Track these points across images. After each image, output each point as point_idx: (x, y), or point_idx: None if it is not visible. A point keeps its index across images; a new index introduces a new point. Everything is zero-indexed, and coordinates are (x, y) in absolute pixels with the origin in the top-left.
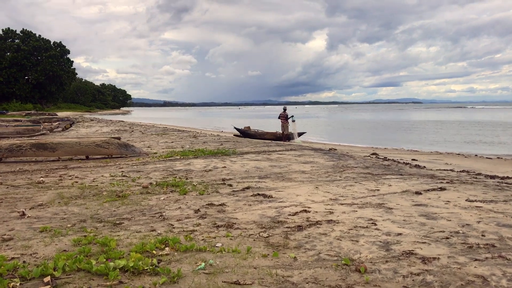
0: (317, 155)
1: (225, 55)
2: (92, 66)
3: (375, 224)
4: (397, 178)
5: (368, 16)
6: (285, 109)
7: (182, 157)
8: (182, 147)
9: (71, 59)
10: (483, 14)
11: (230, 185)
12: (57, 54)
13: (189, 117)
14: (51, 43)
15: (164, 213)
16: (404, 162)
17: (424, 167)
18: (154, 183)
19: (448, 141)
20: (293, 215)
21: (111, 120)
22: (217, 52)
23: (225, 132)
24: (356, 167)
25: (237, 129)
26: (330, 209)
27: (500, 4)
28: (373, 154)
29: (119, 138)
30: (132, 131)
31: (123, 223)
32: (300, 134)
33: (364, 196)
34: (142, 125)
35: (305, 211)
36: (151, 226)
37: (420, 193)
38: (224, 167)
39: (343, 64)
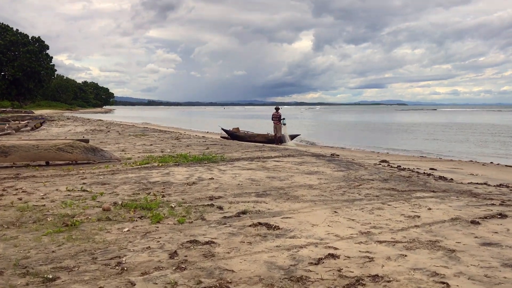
0: (320, 163)
1: (211, 54)
2: (75, 64)
3: (448, 285)
4: (431, 197)
5: (354, 17)
6: (277, 109)
7: (160, 164)
8: (162, 151)
9: (53, 56)
10: (468, 17)
11: (220, 208)
12: (35, 49)
13: (173, 116)
14: (29, 37)
15: (124, 258)
16: (424, 173)
17: (452, 179)
18: (120, 203)
19: (450, 145)
20: (316, 263)
21: (89, 119)
22: (203, 51)
23: (211, 133)
24: (372, 180)
25: (225, 131)
26: (367, 251)
27: (484, 8)
28: (382, 161)
29: (87, 141)
30: (109, 131)
31: (58, 278)
32: (293, 137)
33: (405, 227)
34: (120, 125)
35: (332, 255)
36: None
37: (478, 223)
38: (211, 178)
39: (328, 65)
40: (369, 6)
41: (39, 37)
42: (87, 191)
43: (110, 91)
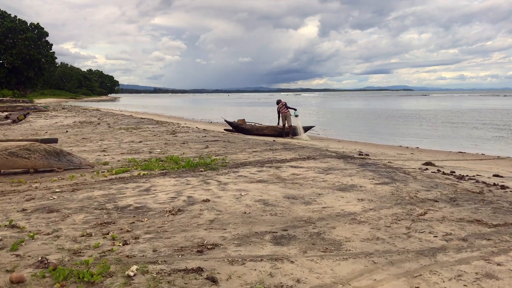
0: (352, 169)
1: (216, 41)
2: (81, 52)
3: None
4: None
5: (360, 2)
6: (278, 102)
7: (142, 174)
8: (150, 152)
9: (59, 44)
10: (475, 1)
11: (213, 280)
12: (34, 36)
13: (176, 104)
14: (28, 24)
15: None
16: (494, 184)
17: None
18: (46, 263)
19: (480, 135)
20: None
21: (85, 109)
22: (208, 38)
23: (214, 124)
24: (436, 202)
25: (229, 123)
26: None
27: None
28: (427, 164)
29: (54, 141)
30: (99, 123)
31: None
32: (306, 129)
33: None
34: (116, 115)
35: None
36: None
37: None
38: (206, 200)
39: (334, 51)
40: None
41: (38, 23)
42: (17, 227)
43: (115, 79)
